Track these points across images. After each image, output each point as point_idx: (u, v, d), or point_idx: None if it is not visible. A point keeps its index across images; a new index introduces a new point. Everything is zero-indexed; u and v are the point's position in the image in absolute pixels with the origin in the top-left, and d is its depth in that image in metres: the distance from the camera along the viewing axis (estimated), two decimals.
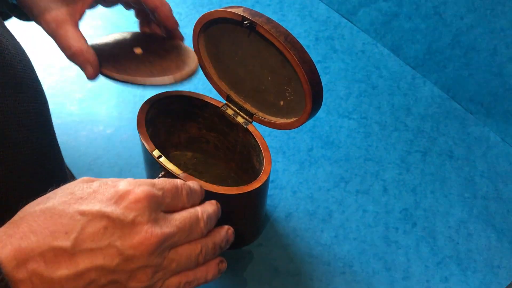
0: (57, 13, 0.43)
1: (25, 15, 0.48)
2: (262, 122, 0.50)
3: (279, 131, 0.64)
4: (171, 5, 0.81)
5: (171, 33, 0.50)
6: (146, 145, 0.46)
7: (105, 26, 0.75)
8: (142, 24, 0.52)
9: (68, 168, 0.59)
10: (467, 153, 0.64)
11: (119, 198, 0.31)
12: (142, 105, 0.49)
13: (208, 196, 0.45)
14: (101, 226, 0.30)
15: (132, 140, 0.61)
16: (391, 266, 0.53)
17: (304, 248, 0.53)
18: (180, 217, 0.33)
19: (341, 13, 0.80)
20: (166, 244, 0.32)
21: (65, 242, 0.29)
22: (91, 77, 0.45)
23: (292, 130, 0.64)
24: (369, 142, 0.64)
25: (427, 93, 0.71)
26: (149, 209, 0.31)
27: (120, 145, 0.61)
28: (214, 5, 0.80)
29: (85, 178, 0.33)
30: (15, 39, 0.42)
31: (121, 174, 0.58)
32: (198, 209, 0.35)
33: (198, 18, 0.48)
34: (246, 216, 0.50)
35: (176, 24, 0.49)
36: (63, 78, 0.67)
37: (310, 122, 0.66)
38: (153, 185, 0.33)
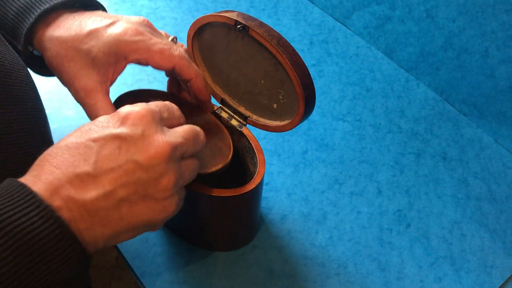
0: (87, 81, 0.43)
1: (47, 72, 0.47)
2: (256, 124, 0.50)
3: (274, 134, 0.65)
4: (166, 10, 0.82)
5: (202, 104, 0.50)
6: None
7: None
8: (171, 85, 0.51)
9: None
10: (460, 154, 0.65)
11: (123, 119, 0.33)
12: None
13: (202, 198, 0.45)
14: (115, 146, 0.32)
15: None
16: (385, 267, 0.53)
17: (298, 249, 0.54)
18: (182, 130, 0.36)
19: (335, 17, 0.81)
20: (178, 153, 0.34)
21: (86, 167, 0.31)
22: None
23: (286, 133, 0.65)
24: (363, 144, 0.65)
25: (420, 95, 0.71)
26: (154, 122, 0.33)
27: None
28: (209, 10, 0.81)
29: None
30: (14, 53, 0.40)
31: None
32: (195, 125, 0.38)
33: (193, 22, 0.48)
34: (241, 218, 0.50)
35: (209, 96, 0.49)
36: (59, 83, 0.68)
37: (305, 125, 0.66)
38: (148, 104, 0.35)
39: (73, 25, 0.43)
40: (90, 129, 0.33)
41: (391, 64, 0.75)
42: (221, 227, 0.50)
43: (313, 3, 0.84)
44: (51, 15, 0.43)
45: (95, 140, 0.32)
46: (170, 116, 0.36)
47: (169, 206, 0.34)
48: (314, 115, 0.68)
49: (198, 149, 0.37)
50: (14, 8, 0.43)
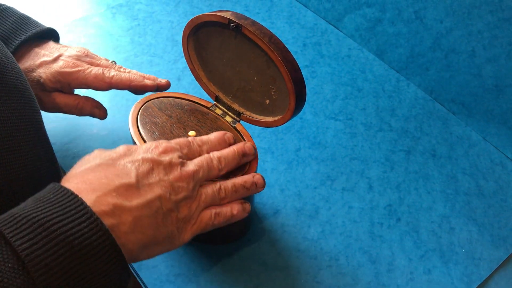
0: (54, 97, 0.55)
1: None
2: (249, 120, 0.52)
3: (268, 132, 0.66)
4: (163, 14, 0.83)
5: (158, 87, 0.56)
6: (137, 143, 0.48)
7: (98, 34, 0.78)
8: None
9: (63, 172, 0.60)
10: (449, 151, 0.66)
11: (153, 149, 0.40)
12: (135, 105, 0.52)
13: None
14: (149, 167, 0.38)
15: (124, 142, 0.63)
16: (376, 259, 0.55)
17: (291, 243, 0.55)
18: (197, 160, 0.42)
19: (327, 20, 0.83)
20: (196, 179, 0.40)
21: (131, 180, 0.36)
22: (103, 117, 0.58)
23: (280, 131, 0.67)
24: (355, 142, 0.66)
25: (410, 95, 0.73)
26: (177, 154, 0.41)
27: (112, 146, 0.62)
28: None
29: (102, 149, 0.40)
30: (4, 47, 0.44)
31: None
32: (210, 153, 0.44)
33: (187, 22, 0.50)
34: None
35: (153, 85, 0.55)
36: None
37: (298, 123, 0.68)
38: (170, 142, 0.42)
39: (28, 59, 0.54)
40: (120, 155, 0.39)
41: (382, 65, 0.77)
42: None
43: (306, 6, 0.86)
44: (15, 53, 0.53)
45: (131, 162, 0.38)
46: (190, 151, 0.43)
47: (186, 226, 0.40)
48: (307, 114, 0.69)
49: (214, 174, 0.43)
50: None
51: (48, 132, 0.63)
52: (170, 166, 0.39)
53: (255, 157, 0.48)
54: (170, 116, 0.51)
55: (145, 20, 0.81)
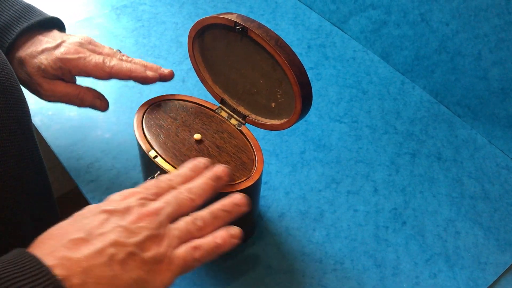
0: (56, 84, 0.54)
1: None
2: (254, 123, 0.52)
3: (272, 134, 0.66)
4: (167, 15, 0.83)
5: (161, 77, 0.55)
6: (142, 145, 0.48)
7: (102, 35, 0.78)
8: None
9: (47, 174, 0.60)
10: (455, 154, 0.66)
11: (110, 201, 0.38)
12: (140, 107, 0.51)
13: None
14: (103, 218, 0.35)
15: (129, 144, 0.63)
16: (381, 263, 0.54)
17: (296, 246, 0.55)
18: (162, 198, 0.39)
19: (332, 22, 0.83)
20: (162, 216, 0.37)
21: (80, 234, 0.34)
22: (104, 108, 0.56)
23: (285, 133, 0.66)
24: (360, 145, 0.66)
25: (416, 97, 0.73)
26: (136, 198, 0.37)
27: (117, 148, 0.63)
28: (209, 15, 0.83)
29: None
30: None
31: (118, 177, 0.60)
32: (179, 187, 0.40)
33: (193, 24, 0.50)
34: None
35: (155, 77, 0.54)
36: None
37: (303, 125, 0.68)
38: (134, 188, 0.39)
39: (31, 46, 0.53)
40: (82, 213, 0.36)
41: (387, 67, 0.76)
42: None
43: (311, 8, 0.85)
44: (17, 40, 0.53)
45: (86, 217, 0.36)
46: (157, 190, 0.39)
47: (158, 267, 0.35)
48: (312, 116, 0.69)
49: (186, 206, 0.39)
50: None
51: (52, 135, 0.63)
52: (126, 210, 0.36)
53: (228, 178, 0.43)
54: (175, 118, 0.51)
55: (150, 21, 0.81)
